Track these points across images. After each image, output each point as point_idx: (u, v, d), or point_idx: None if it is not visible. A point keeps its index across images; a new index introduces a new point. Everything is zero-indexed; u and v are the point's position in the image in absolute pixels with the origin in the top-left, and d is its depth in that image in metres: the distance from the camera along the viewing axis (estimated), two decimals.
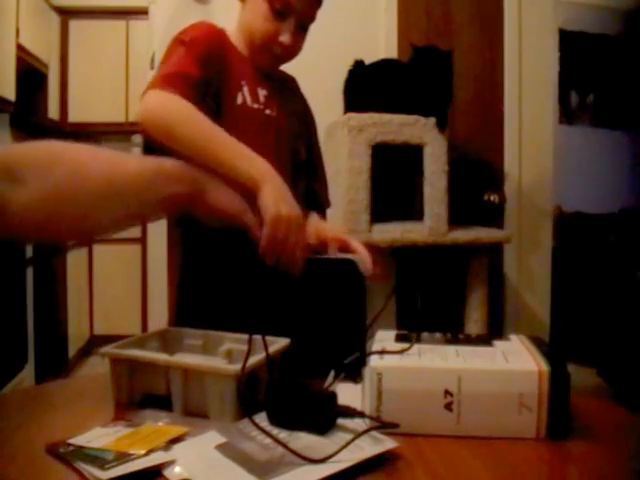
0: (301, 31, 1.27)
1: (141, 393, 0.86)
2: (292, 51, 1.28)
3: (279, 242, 0.92)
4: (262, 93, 1.29)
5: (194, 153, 0.96)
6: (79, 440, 0.71)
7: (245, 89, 1.26)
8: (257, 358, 0.81)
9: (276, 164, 1.28)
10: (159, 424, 0.77)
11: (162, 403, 0.83)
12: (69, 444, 0.70)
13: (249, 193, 0.92)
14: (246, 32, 1.29)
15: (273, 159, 1.28)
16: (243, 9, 1.30)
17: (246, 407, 0.77)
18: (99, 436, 0.73)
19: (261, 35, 1.25)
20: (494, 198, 2.84)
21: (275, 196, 0.94)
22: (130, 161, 0.79)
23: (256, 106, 1.27)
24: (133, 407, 0.84)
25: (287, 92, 1.41)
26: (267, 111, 1.29)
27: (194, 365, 0.82)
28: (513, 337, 0.89)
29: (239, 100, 1.24)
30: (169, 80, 1.09)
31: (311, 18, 1.29)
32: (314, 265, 0.97)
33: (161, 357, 0.86)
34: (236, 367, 0.78)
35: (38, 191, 0.69)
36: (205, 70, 1.16)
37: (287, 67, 1.39)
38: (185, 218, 1.11)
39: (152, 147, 1.04)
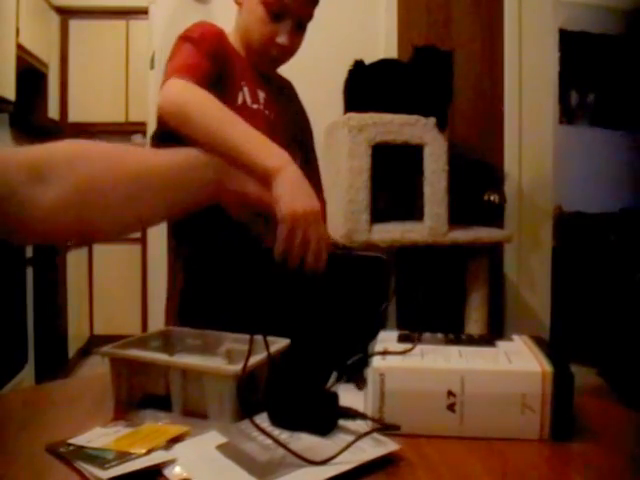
0: (299, 30, 1.28)
1: (141, 393, 0.85)
2: (290, 51, 1.29)
3: (298, 240, 0.84)
4: (261, 95, 1.29)
5: (210, 139, 0.93)
6: (79, 440, 0.71)
7: (245, 89, 1.26)
8: (257, 358, 0.81)
9: None
10: (159, 424, 0.77)
11: (162, 403, 0.83)
12: (69, 444, 0.70)
13: (265, 182, 0.87)
14: (243, 35, 1.30)
15: None
16: (240, 12, 1.31)
17: (245, 408, 0.77)
18: (99, 436, 0.72)
19: (258, 38, 1.26)
20: (494, 198, 2.84)
21: (290, 188, 0.86)
22: (158, 154, 0.77)
23: (256, 106, 1.27)
24: (133, 407, 0.84)
25: (285, 96, 1.42)
26: (266, 111, 1.29)
27: (193, 365, 0.82)
28: (516, 337, 0.88)
29: (240, 100, 1.25)
30: (184, 71, 1.08)
31: (308, 17, 1.28)
32: (338, 261, 0.92)
33: (160, 357, 0.86)
34: (235, 367, 0.77)
35: (64, 190, 0.66)
36: (213, 65, 1.17)
37: (287, 66, 1.39)
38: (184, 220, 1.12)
39: (165, 138, 1.02)
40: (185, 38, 1.20)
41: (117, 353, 0.87)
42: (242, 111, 1.24)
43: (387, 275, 0.96)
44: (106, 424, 0.76)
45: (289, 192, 0.86)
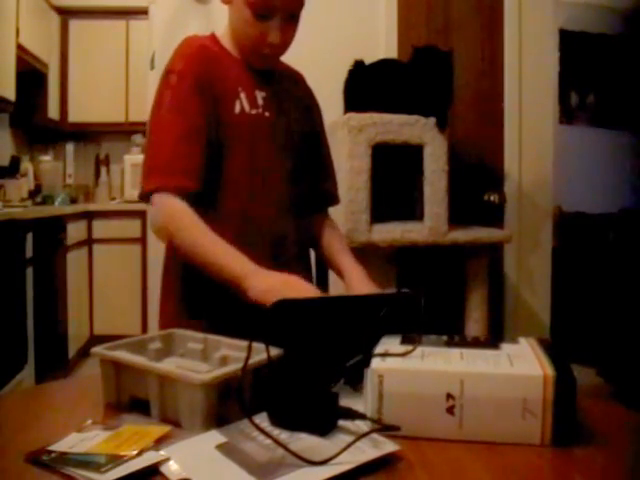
0: (291, 22, 1.23)
1: (129, 396, 0.85)
2: (283, 47, 1.25)
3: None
4: (261, 95, 1.27)
5: (192, 255, 1.14)
6: (60, 446, 0.70)
7: (242, 95, 1.24)
8: (232, 368, 0.80)
9: (277, 168, 1.28)
10: (137, 426, 0.76)
11: (147, 407, 0.82)
12: (50, 451, 0.69)
13: (237, 288, 1.07)
14: (235, 35, 1.27)
15: (272, 164, 1.27)
16: (230, 12, 1.27)
17: (219, 417, 0.77)
18: (79, 441, 0.72)
19: (249, 39, 1.23)
20: (494, 198, 2.83)
21: (261, 286, 1.04)
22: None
23: (254, 112, 1.25)
24: (119, 410, 0.84)
25: (289, 89, 1.37)
26: (266, 114, 1.27)
27: (166, 372, 0.80)
28: (522, 340, 0.87)
29: (237, 109, 1.23)
30: (166, 179, 1.17)
31: (299, 7, 1.23)
32: (373, 301, 0.93)
33: (139, 360, 0.84)
34: (204, 377, 0.76)
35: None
36: (199, 97, 1.19)
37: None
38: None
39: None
40: (166, 83, 1.22)
41: (103, 354, 0.87)
42: (240, 120, 1.23)
43: (418, 310, 0.94)
44: (81, 429, 0.75)
45: (260, 288, 1.04)
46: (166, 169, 1.18)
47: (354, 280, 1.29)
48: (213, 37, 1.31)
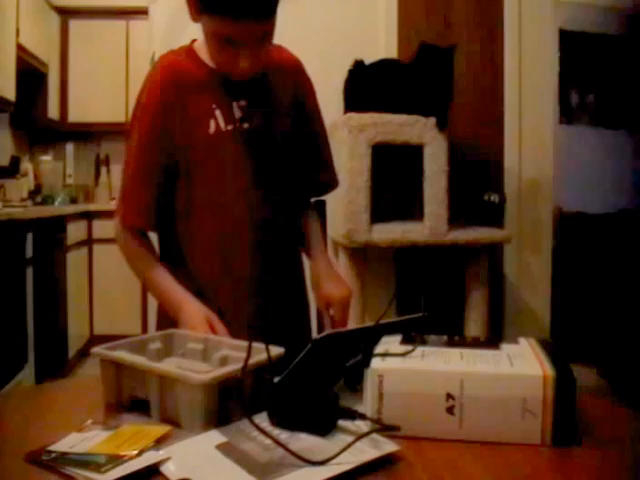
0: (262, 43, 1.14)
1: (129, 396, 0.85)
2: (256, 67, 1.17)
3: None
4: (239, 105, 1.22)
5: (141, 280, 1.39)
6: (60, 446, 0.70)
7: (217, 113, 1.20)
8: (231, 368, 0.80)
9: (255, 183, 1.24)
10: (137, 426, 0.76)
11: (147, 407, 0.82)
12: (50, 451, 0.69)
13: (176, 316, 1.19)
14: (209, 53, 1.21)
15: (249, 180, 1.24)
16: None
17: (219, 417, 0.77)
18: (79, 441, 0.72)
19: (219, 63, 1.18)
20: (494, 198, 2.84)
21: (186, 322, 1.15)
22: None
23: (230, 127, 1.21)
24: (119, 410, 0.84)
25: (274, 86, 1.28)
26: (245, 125, 1.22)
27: (166, 372, 0.80)
28: (522, 340, 0.87)
29: (212, 128, 1.20)
30: (127, 218, 1.26)
31: (269, 31, 1.14)
32: (388, 328, 0.92)
33: (139, 360, 0.84)
34: (204, 377, 0.76)
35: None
36: (160, 133, 1.20)
37: None
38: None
39: None
40: (135, 117, 1.23)
41: (104, 354, 0.87)
42: (216, 139, 1.20)
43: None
44: (81, 429, 0.75)
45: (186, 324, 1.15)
46: (123, 204, 1.25)
47: (321, 276, 1.35)
48: (190, 50, 1.25)
